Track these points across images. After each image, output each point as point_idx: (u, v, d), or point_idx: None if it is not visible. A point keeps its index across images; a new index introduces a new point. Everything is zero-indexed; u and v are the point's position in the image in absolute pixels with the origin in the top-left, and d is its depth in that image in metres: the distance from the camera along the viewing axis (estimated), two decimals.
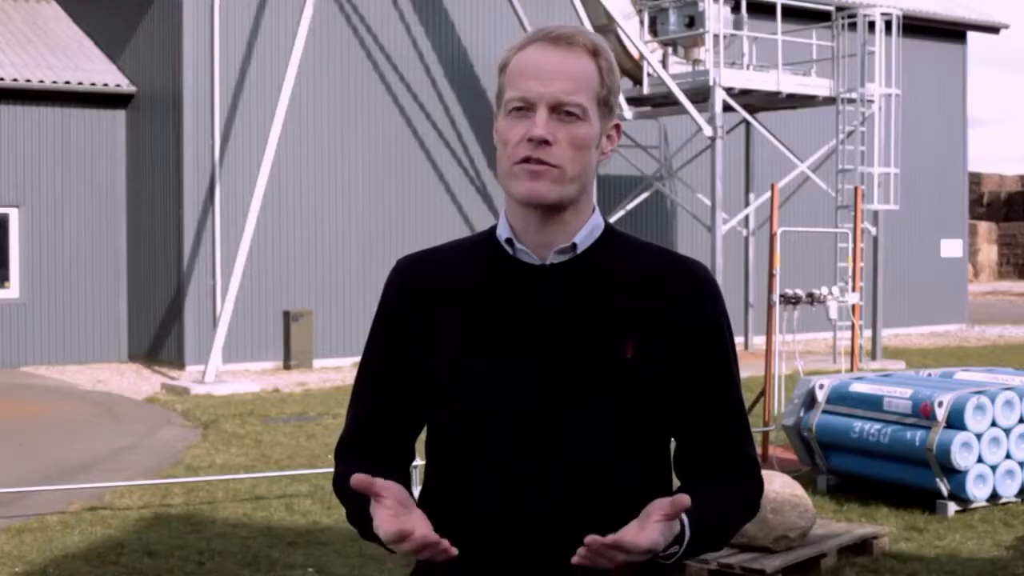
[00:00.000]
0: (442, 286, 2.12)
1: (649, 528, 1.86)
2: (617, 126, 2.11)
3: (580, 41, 2.03)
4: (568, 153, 2.01)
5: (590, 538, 1.83)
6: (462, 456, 2.06)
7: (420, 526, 1.90)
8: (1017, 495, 8.35)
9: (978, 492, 8.07)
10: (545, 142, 1.99)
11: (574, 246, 2.07)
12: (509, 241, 2.08)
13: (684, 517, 1.95)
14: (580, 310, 2.05)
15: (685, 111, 17.79)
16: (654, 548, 1.87)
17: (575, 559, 1.86)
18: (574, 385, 2.01)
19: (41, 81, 17.61)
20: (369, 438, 2.17)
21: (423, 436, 2.20)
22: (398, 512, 1.90)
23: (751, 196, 20.78)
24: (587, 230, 2.08)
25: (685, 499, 1.86)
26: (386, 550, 2.00)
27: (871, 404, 8.46)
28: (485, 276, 2.10)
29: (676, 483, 2.15)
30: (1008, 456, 8.18)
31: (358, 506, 2.02)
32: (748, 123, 19.94)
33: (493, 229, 2.13)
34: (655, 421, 2.07)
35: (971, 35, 25.43)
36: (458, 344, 2.07)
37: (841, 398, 8.70)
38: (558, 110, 2.00)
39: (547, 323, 2.04)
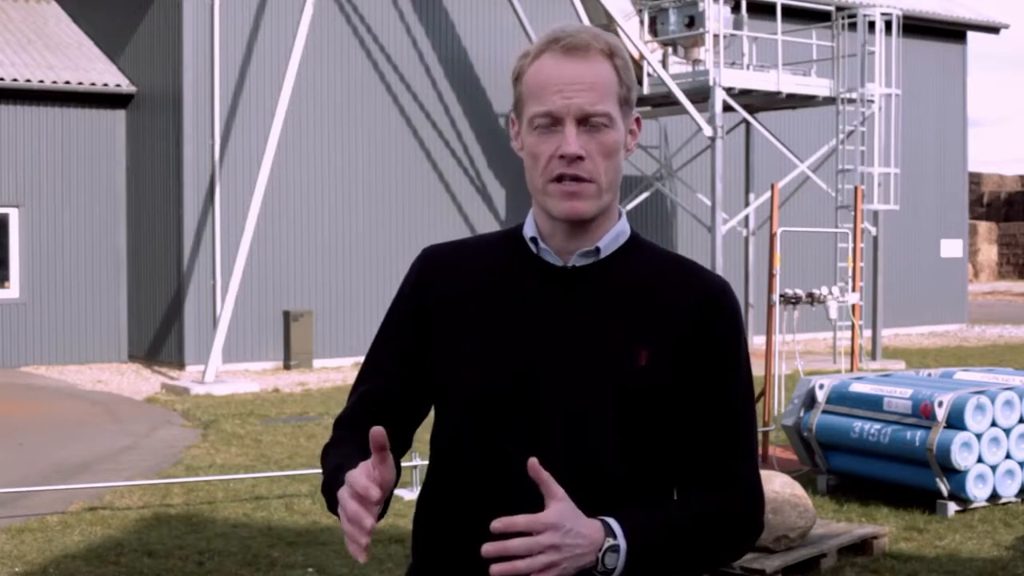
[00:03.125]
0: (462, 280, 2.12)
1: (546, 508, 1.85)
2: (638, 119, 2.12)
3: (595, 46, 2.03)
4: (601, 163, 2.02)
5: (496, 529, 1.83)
6: (467, 452, 2.06)
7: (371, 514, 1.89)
8: (1017, 495, 8.35)
9: (978, 492, 8.07)
10: (579, 158, 2.00)
11: (597, 250, 2.07)
12: (534, 240, 2.09)
13: (613, 524, 1.91)
14: (596, 313, 2.05)
15: (685, 111, 17.79)
16: (558, 522, 1.84)
17: (487, 548, 1.83)
18: (582, 387, 2.01)
19: (41, 81, 17.62)
20: (370, 421, 2.14)
21: (425, 437, 2.20)
22: (373, 483, 1.89)
23: (751, 196, 20.77)
24: (612, 235, 2.09)
25: (532, 460, 1.84)
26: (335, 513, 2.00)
27: (871, 404, 8.46)
28: (506, 273, 2.11)
29: None
30: (1008, 456, 8.18)
31: (330, 480, 2.03)
32: (748, 123, 19.94)
33: (520, 227, 2.14)
34: (661, 430, 2.06)
35: (971, 35, 25.44)
36: (471, 339, 2.07)
37: (841, 398, 8.70)
38: (586, 122, 2.01)
39: (562, 324, 2.04)
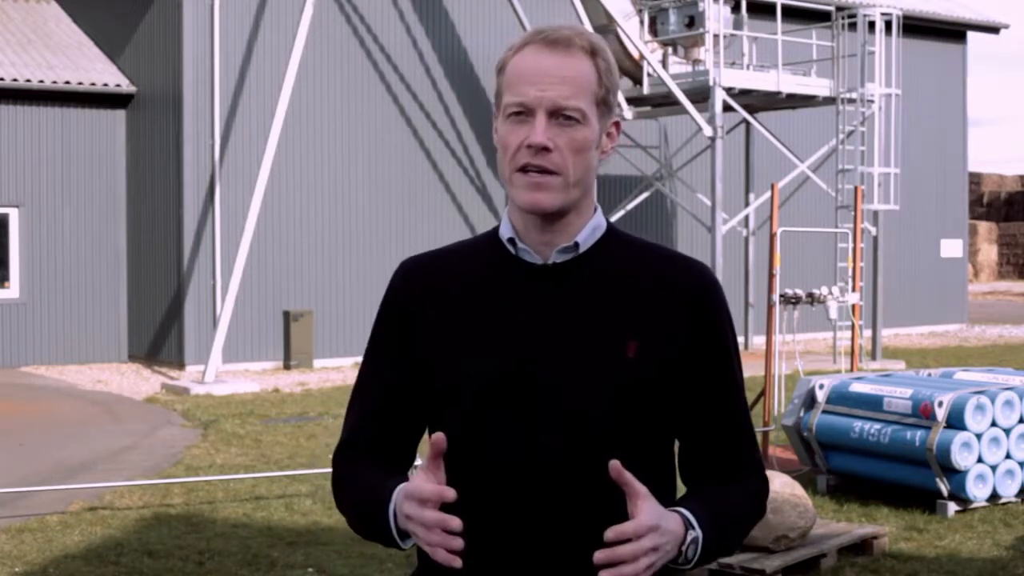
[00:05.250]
0: (445, 286, 2.12)
1: (639, 510, 1.87)
2: (616, 124, 2.11)
3: (577, 43, 2.03)
4: (569, 158, 2.01)
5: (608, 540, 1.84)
6: (465, 458, 2.06)
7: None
8: (1017, 495, 8.35)
9: (978, 492, 8.07)
10: (545, 148, 1.99)
11: (576, 245, 2.07)
12: (512, 241, 2.08)
13: (690, 516, 1.96)
14: (582, 309, 2.05)
15: (685, 111, 17.79)
16: (657, 524, 1.86)
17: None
18: (575, 385, 2.01)
19: (41, 81, 17.61)
20: (374, 440, 2.14)
21: (424, 438, 2.20)
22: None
23: (751, 196, 20.78)
24: (589, 230, 2.08)
25: (614, 462, 1.86)
26: (392, 546, 1.99)
27: (871, 404, 8.46)
28: (488, 276, 2.10)
29: (680, 486, 2.14)
30: (1008, 456, 8.18)
31: (370, 505, 2.02)
32: (748, 123, 19.94)
33: (496, 229, 2.13)
34: (657, 422, 2.07)
35: (971, 35, 25.43)
36: (461, 344, 2.07)
37: (841, 398, 8.70)
38: (557, 115, 2.00)
39: (549, 322, 2.04)
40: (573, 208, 2.06)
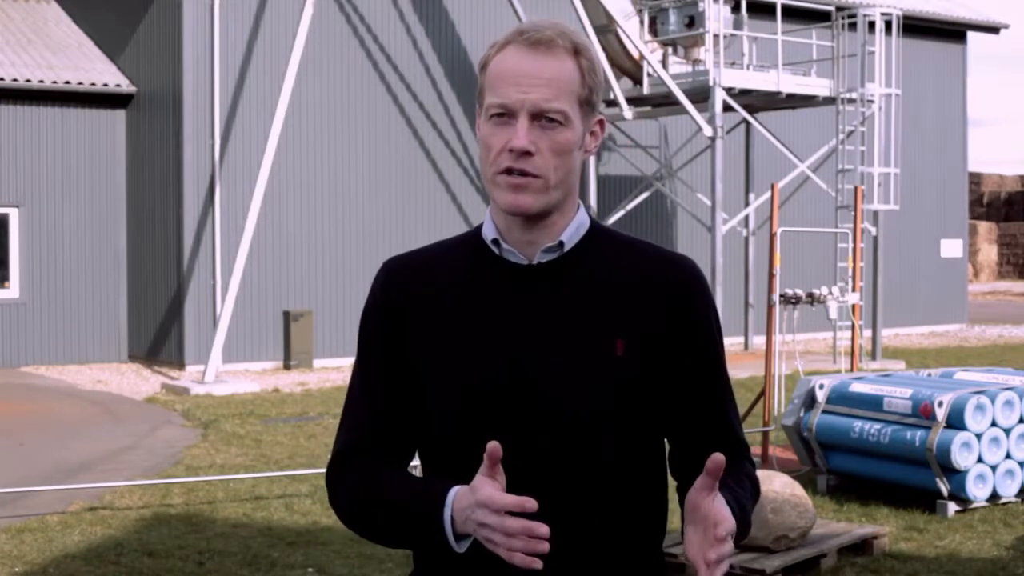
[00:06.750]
0: (430, 287, 2.10)
1: (718, 509, 1.86)
2: (601, 122, 2.10)
3: (559, 43, 2.01)
4: (551, 160, 2.00)
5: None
6: (457, 459, 2.05)
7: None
8: (1017, 495, 8.35)
9: (978, 492, 8.07)
10: (527, 152, 1.98)
11: (561, 244, 2.06)
12: (496, 242, 2.07)
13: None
14: (569, 308, 2.04)
15: (685, 111, 17.80)
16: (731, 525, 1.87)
17: None
18: (566, 385, 2.01)
19: (41, 81, 17.61)
20: (379, 443, 2.12)
21: None
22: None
23: (751, 196, 20.78)
24: (573, 228, 2.08)
25: (719, 457, 1.83)
26: (441, 550, 1.95)
27: (871, 404, 8.46)
28: (473, 277, 2.09)
29: (672, 482, 2.15)
30: (1008, 456, 8.18)
31: (410, 509, 1.98)
32: (748, 123, 19.94)
33: (479, 229, 2.13)
34: (648, 418, 2.07)
35: (971, 35, 25.44)
36: (449, 346, 2.06)
37: (841, 398, 8.70)
38: (539, 117, 1.99)
39: (537, 322, 2.04)
40: (556, 208, 2.05)
